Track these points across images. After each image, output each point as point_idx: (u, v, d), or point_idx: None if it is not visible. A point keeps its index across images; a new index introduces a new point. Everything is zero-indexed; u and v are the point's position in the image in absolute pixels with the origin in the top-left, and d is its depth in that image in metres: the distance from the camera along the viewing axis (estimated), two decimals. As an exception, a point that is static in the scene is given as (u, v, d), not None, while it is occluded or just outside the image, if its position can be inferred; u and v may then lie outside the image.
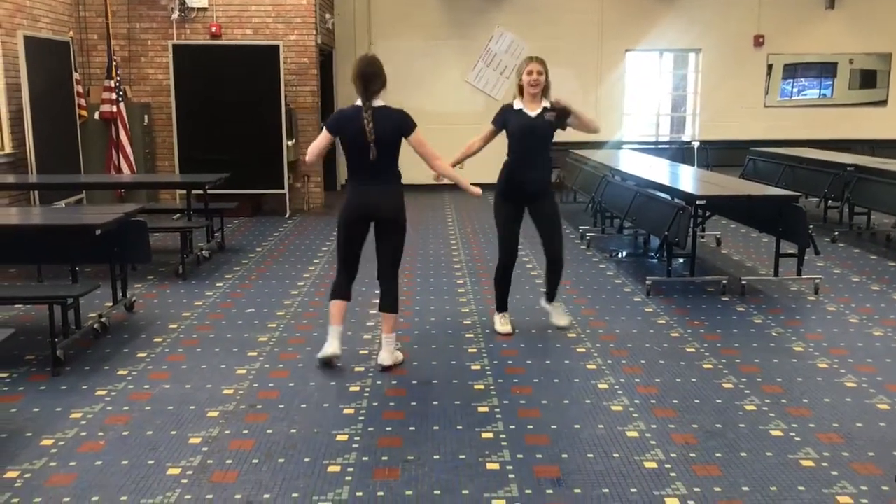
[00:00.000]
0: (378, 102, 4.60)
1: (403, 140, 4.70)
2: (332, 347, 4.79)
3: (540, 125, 5.24)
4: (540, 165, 5.34)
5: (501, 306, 5.59)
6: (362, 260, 4.94)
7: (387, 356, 4.82)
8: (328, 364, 4.82)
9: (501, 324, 5.52)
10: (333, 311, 4.83)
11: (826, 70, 14.06)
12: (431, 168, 4.95)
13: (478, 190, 5.04)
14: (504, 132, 5.35)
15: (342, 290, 4.88)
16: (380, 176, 4.70)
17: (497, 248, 5.54)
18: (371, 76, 4.58)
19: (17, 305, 6.04)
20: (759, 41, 13.70)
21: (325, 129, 4.72)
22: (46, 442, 3.83)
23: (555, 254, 5.47)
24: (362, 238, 4.84)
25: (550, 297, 5.68)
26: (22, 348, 5.14)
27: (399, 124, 4.65)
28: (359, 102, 4.61)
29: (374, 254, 4.89)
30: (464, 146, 5.49)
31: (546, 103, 5.25)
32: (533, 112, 5.23)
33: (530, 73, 5.18)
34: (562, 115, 5.27)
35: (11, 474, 3.50)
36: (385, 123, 4.58)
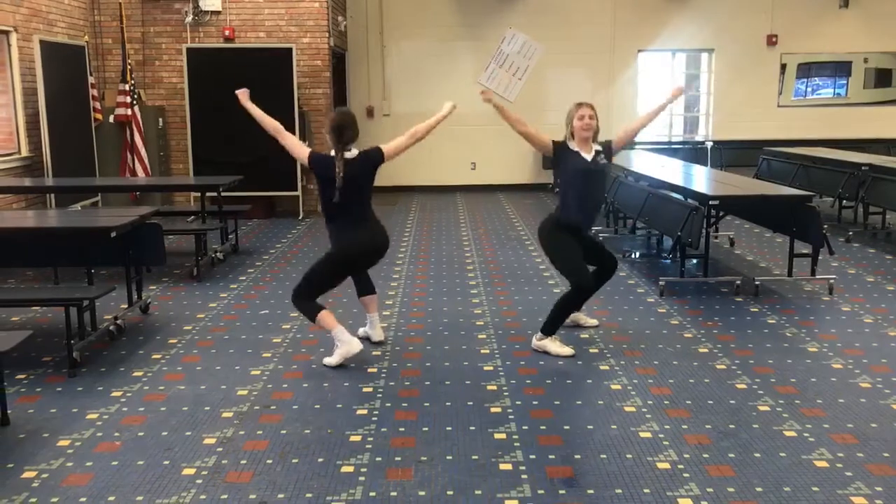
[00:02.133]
0: (351, 153, 4.84)
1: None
2: (356, 344, 4.89)
3: (598, 169, 5.17)
4: (594, 209, 5.29)
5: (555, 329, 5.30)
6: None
7: (381, 332, 5.34)
8: (340, 365, 4.85)
9: (562, 344, 5.19)
10: (327, 318, 4.87)
11: (840, 69, 13.98)
12: (423, 138, 5.14)
13: (451, 105, 5.35)
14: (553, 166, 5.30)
15: (317, 303, 4.95)
16: (366, 214, 4.97)
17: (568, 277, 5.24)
18: (343, 127, 4.83)
19: (34, 307, 6.10)
20: (772, 40, 13.64)
21: (307, 151, 4.94)
22: (63, 442, 3.87)
23: (613, 262, 5.44)
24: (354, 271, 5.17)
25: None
26: (39, 350, 5.19)
27: (370, 166, 4.93)
28: (332, 153, 4.84)
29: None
30: (520, 119, 5.30)
31: (597, 146, 5.18)
32: (588, 156, 5.13)
33: (582, 117, 5.08)
34: (608, 153, 5.24)
35: (29, 474, 3.54)
36: (355, 171, 4.83)
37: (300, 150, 4.95)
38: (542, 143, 5.21)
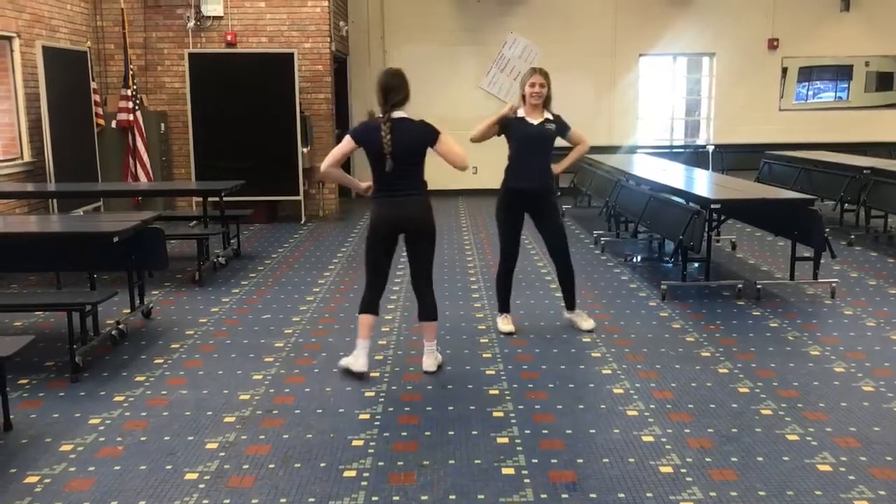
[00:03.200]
0: (399, 114, 4.59)
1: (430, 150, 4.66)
2: (361, 364, 4.75)
3: (540, 133, 5.37)
4: (539, 173, 5.43)
5: (504, 307, 5.73)
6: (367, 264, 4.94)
7: (432, 362, 4.89)
8: (348, 371, 4.82)
9: (504, 323, 5.67)
10: (363, 324, 4.78)
11: (841, 73, 13.98)
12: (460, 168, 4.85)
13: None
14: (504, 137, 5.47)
15: (372, 304, 4.81)
16: (404, 187, 4.65)
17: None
18: (392, 88, 4.58)
19: (36, 312, 6.11)
20: (773, 44, 13.66)
21: (348, 136, 4.66)
22: (65, 447, 3.87)
23: (561, 264, 5.62)
24: (392, 251, 4.80)
25: (570, 306, 5.76)
26: (41, 355, 5.19)
27: (421, 137, 4.60)
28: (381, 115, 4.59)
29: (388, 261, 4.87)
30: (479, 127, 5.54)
31: (548, 114, 5.40)
32: (535, 121, 5.36)
33: (532, 84, 5.33)
34: (562, 129, 5.45)
35: (31, 479, 3.54)
36: (405, 135, 4.54)
37: (343, 146, 4.63)
38: (491, 129, 5.39)
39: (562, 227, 5.66)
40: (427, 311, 4.89)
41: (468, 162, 4.84)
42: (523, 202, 5.46)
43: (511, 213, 5.51)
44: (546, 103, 5.40)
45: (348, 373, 4.81)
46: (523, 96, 5.39)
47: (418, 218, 4.70)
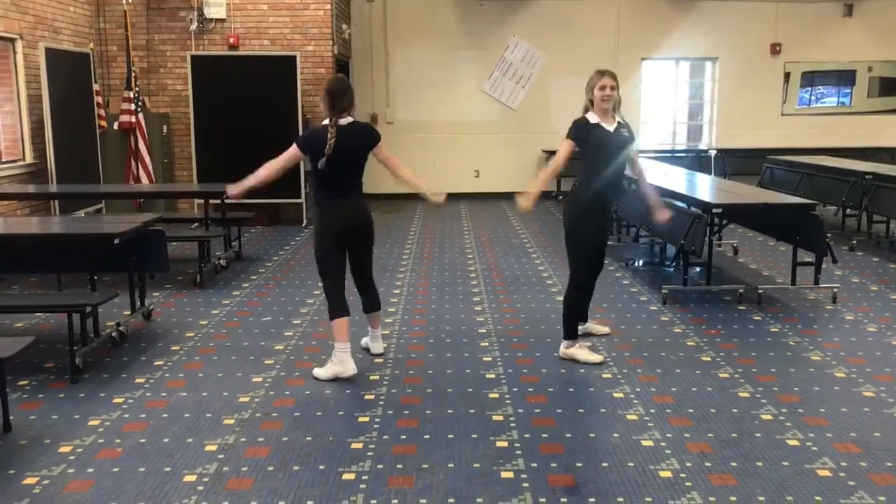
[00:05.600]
0: (345, 120, 4.73)
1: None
2: (351, 368, 4.77)
3: (620, 141, 5.01)
4: (622, 183, 5.16)
5: (574, 333, 5.19)
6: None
7: (381, 346, 5.26)
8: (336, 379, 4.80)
9: (590, 352, 5.14)
10: (341, 328, 4.77)
11: (844, 78, 13.98)
12: (397, 177, 5.06)
13: (442, 196, 5.19)
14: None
15: (343, 304, 4.84)
16: (352, 189, 4.83)
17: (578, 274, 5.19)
18: (339, 93, 4.75)
19: (37, 314, 6.11)
20: (776, 49, 13.66)
21: (294, 145, 4.83)
22: (65, 449, 3.86)
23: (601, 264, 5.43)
24: (345, 249, 4.91)
25: (584, 318, 5.57)
26: (41, 356, 5.19)
27: (364, 138, 4.83)
28: (326, 122, 4.75)
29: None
30: (548, 168, 5.17)
31: (619, 119, 5.04)
32: (610, 127, 4.98)
33: (603, 87, 4.92)
34: (631, 138, 5.09)
35: (30, 480, 3.54)
36: (351, 139, 4.71)
37: (290, 153, 4.81)
38: (572, 149, 4.99)
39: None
40: (373, 302, 5.16)
41: (402, 172, 5.00)
42: (605, 215, 5.13)
43: (596, 226, 5.08)
44: (616, 107, 5.04)
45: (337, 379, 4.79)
46: (591, 100, 5.00)
47: (366, 218, 4.94)
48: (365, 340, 5.33)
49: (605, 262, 8.16)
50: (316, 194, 4.90)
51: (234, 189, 4.99)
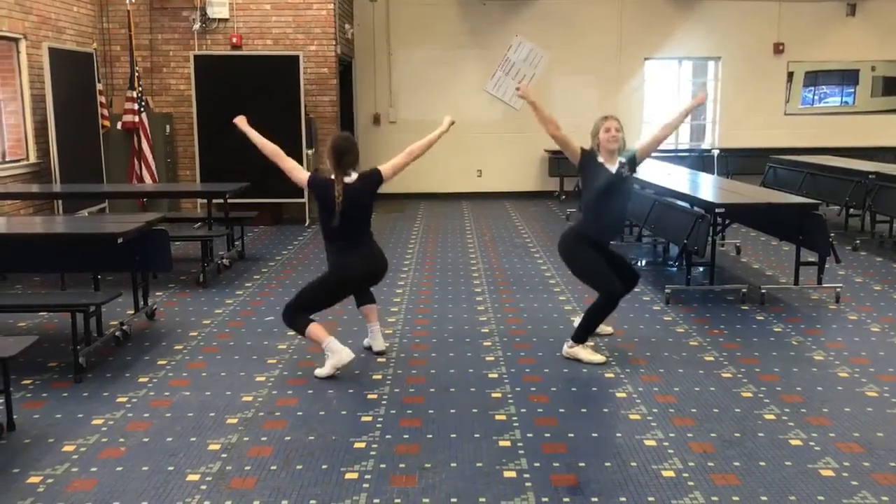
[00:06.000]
0: (350, 178, 4.83)
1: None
2: (347, 353, 4.81)
3: (623, 182, 5.10)
4: (621, 222, 5.28)
5: (585, 340, 5.27)
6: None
7: (382, 342, 5.28)
8: (333, 373, 4.81)
9: (593, 352, 5.23)
10: (316, 331, 4.83)
11: (848, 77, 13.96)
12: (424, 152, 5.11)
13: (450, 120, 5.22)
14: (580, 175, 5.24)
15: (307, 317, 4.91)
16: (366, 236, 4.96)
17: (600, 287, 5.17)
18: (345, 151, 4.84)
19: (40, 313, 6.13)
20: (779, 49, 13.64)
21: (306, 174, 4.97)
22: (68, 448, 3.87)
23: (634, 275, 5.42)
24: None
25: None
26: (45, 355, 5.20)
27: (369, 188, 4.91)
28: (332, 176, 4.84)
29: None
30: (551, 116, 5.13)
31: (622, 158, 5.12)
32: (613, 167, 5.08)
33: (608, 129, 5.04)
34: (632, 164, 5.16)
35: (34, 479, 3.55)
36: (356, 196, 4.82)
37: (299, 173, 4.96)
38: (572, 149, 5.10)
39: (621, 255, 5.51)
40: (367, 295, 5.24)
41: (417, 147, 5.06)
42: (598, 247, 5.15)
43: (591, 250, 5.12)
44: (621, 150, 5.11)
45: (333, 374, 4.79)
46: (598, 144, 5.08)
47: (384, 264, 5.06)
48: (366, 340, 5.34)
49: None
50: (330, 245, 4.96)
51: (241, 122, 5.37)
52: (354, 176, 4.85)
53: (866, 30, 13.65)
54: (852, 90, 14.02)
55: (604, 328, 5.67)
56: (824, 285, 6.67)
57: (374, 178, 4.93)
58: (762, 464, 3.66)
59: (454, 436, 3.99)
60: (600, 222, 5.12)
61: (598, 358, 5.08)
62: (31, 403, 4.45)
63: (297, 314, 4.89)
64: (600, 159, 5.08)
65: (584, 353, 5.11)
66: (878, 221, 9.32)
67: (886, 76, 13.93)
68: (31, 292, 6.89)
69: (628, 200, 5.31)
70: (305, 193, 10.65)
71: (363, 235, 4.94)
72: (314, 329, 4.82)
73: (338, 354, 4.79)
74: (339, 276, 4.96)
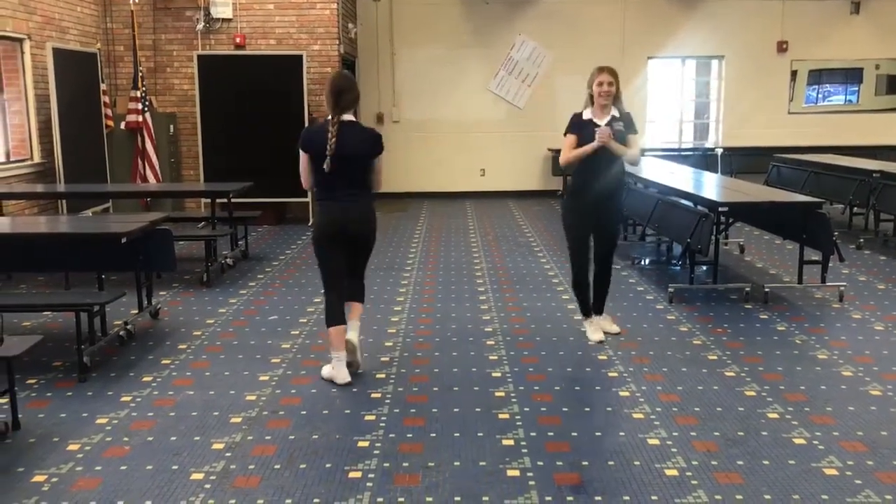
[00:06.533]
0: (348, 117, 4.57)
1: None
2: (343, 376, 4.69)
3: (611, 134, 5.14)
4: (610, 176, 5.23)
5: (586, 311, 5.55)
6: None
7: (356, 335, 4.84)
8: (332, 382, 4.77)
9: (592, 331, 5.50)
10: (336, 337, 4.68)
11: (852, 76, 13.93)
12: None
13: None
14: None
15: (340, 312, 4.73)
16: (347, 191, 4.62)
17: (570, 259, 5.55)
18: (344, 89, 4.55)
19: (45, 313, 6.14)
20: (782, 47, 13.61)
21: (301, 151, 4.64)
22: (73, 447, 3.89)
23: (604, 268, 5.51)
24: (344, 251, 4.75)
25: (600, 310, 5.67)
26: (49, 355, 5.22)
27: (367, 144, 4.62)
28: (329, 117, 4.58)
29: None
30: (567, 155, 5.25)
31: (615, 112, 5.17)
32: (602, 121, 5.15)
33: (601, 83, 5.12)
34: (628, 127, 5.19)
35: (39, 478, 3.56)
36: (352, 139, 4.53)
37: (302, 161, 4.65)
38: (575, 142, 5.19)
39: (616, 234, 5.62)
40: (354, 291, 4.90)
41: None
42: (595, 207, 5.24)
43: (582, 220, 5.28)
44: (615, 101, 5.19)
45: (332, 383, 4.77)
46: (591, 96, 5.19)
47: (359, 224, 4.71)
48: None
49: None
50: (321, 204, 4.74)
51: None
52: (352, 119, 4.58)
53: (870, 28, 13.62)
54: (856, 89, 13.99)
55: (611, 327, 5.67)
56: (828, 284, 6.66)
57: (376, 134, 4.68)
58: (766, 462, 3.66)
59: (458, 435, 3.99)
60: (588, 177, 5.23)
61: (597, 336, 5.36)
62: (36, 403, 4.46)
63: (327, 296, 4.74)
64: (587, 116, 5.20)
65: (588, 327, 5.50)
66: (882, 220, 9.30)
67: (890, 74, 13.90)
68: (36, 292, 6.90)
69: (616, 157, 5.24)
70: (310, 193, 10.67)
71: (345, 191, 4.59)
72: (332, 334, 4.69)
73: (335, 372, 4.71)
74: (314, 236, 4.77)
